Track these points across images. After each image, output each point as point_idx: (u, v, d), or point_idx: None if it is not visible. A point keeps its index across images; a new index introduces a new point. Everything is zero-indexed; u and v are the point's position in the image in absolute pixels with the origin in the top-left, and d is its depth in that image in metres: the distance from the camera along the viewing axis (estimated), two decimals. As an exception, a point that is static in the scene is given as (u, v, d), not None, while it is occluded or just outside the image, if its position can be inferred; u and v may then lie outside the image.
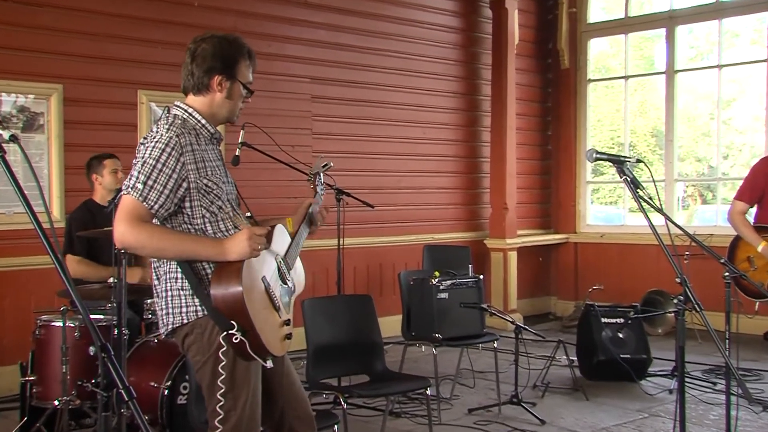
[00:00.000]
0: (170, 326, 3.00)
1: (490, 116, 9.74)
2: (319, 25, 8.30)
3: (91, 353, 4.34)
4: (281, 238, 3.23)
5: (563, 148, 10.67)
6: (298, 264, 3.35)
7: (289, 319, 3.14)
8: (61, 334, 4.40)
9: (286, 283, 3.19)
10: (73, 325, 4.50)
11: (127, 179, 2.90)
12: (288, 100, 8.04)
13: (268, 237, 3.05)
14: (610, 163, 3.42)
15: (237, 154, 5.51)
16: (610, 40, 11.51)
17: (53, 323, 4.59)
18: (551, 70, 10.77)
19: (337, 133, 8.45)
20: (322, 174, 3.72)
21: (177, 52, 3.29)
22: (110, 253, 4.27)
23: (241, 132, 5.59)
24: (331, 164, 3.84)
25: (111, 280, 4.26)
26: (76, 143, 6.57)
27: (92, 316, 4.40)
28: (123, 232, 2.83)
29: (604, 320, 6.71)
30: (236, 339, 2.83)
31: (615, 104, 11.89)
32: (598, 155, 3.40)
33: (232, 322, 2.83)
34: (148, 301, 5.00)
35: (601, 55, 11.69)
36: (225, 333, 2.85)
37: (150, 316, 4.98)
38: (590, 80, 10.63)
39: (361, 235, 8.37)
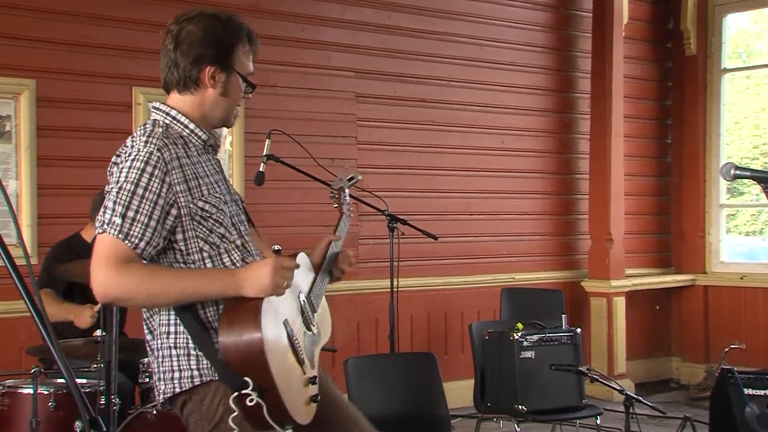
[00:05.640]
0: (161, 396, 3.07)
1: (590, 120, 9.72)
2: (366, 3, 8.38)
3: (77, 430, 4.38)
4: (304, 271, 3.27)
5: (688, 161, 10.58)
6: (324, 305, 3.39)
7: (315, 377, 3.18)
8: (32, 405, 4.42)
9: (310, 330, 3.23)
10: (46, 392, 4.52)
11: (101, 213, 2.93)
12: (326, 100, 8.11)
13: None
14: (754, 182, 3.39)
15: (261, 170, 5.58)
16: (754, 14, 11.35)
17: (20, 390, 4.62)
18: (672, 57, 10.72)
19: (388, 143, 8.50)
20: (347, 189, 3.74)
21: (184, 38, 3.34)
22: (84, 295, 4.31)
23: (267, 142, 5.65)
24: (360, 177, 3.86)
25: (98, 333, 4.31)
26: (53, 155, 6.68)
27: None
28: (105, 282, 2.86)
29: (747, 391, 6.59)
30: (251, 401, 2.83)
31: (760, 101, 11.71)
32: (738, 171, 3.36)
33: (246, 379, 2.84)
34: (145, 360, 5.04)
35: (740, 35, 11.56)
36: (236, 393, 2.85)
37: (147, 379, 5.03)
38: (726, 70, 10.54)
39: (421, 275, 8.39)
